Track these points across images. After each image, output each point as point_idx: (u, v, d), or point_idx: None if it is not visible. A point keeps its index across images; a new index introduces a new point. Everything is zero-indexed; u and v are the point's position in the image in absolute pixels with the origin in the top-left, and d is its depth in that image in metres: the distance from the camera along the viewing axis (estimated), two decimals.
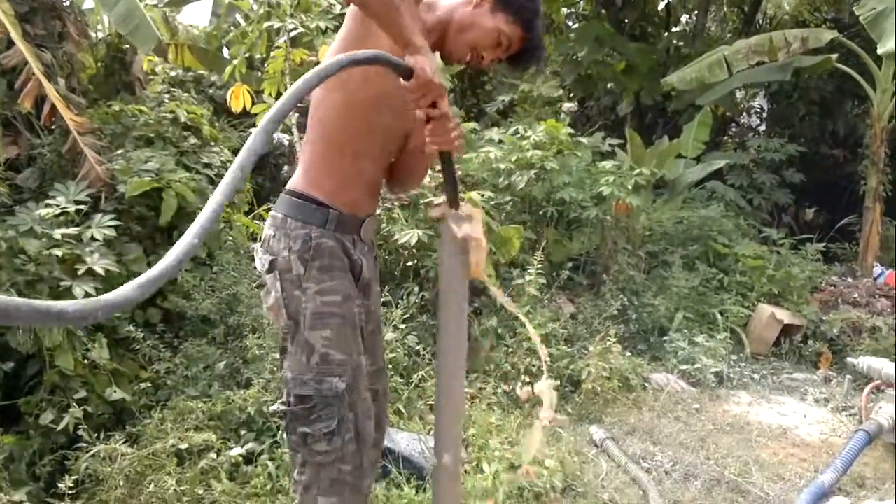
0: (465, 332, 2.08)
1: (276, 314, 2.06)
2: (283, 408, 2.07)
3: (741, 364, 5.07)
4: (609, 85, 10.34)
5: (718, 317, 5.39)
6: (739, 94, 10.21)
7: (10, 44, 4.40)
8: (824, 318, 5.48)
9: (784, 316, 5.38)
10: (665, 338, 5.18)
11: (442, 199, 2.04)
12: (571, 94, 10.37)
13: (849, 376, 4.65)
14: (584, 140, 6.50)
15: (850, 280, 6.43)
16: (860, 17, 6.68)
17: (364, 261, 2.11)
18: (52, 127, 4.64)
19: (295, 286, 2.00)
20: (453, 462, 2.13)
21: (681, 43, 10.55)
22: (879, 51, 6.65)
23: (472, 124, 6.34)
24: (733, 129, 10.80)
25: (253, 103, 5.35)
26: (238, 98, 4.98)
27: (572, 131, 6.04)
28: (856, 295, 5.86)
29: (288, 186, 2.08)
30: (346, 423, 2.04)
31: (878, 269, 6.84)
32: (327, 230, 2.00)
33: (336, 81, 1.73)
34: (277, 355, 2.43)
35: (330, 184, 2.02)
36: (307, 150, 2.07)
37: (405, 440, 3.41)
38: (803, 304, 5.65)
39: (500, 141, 5.80)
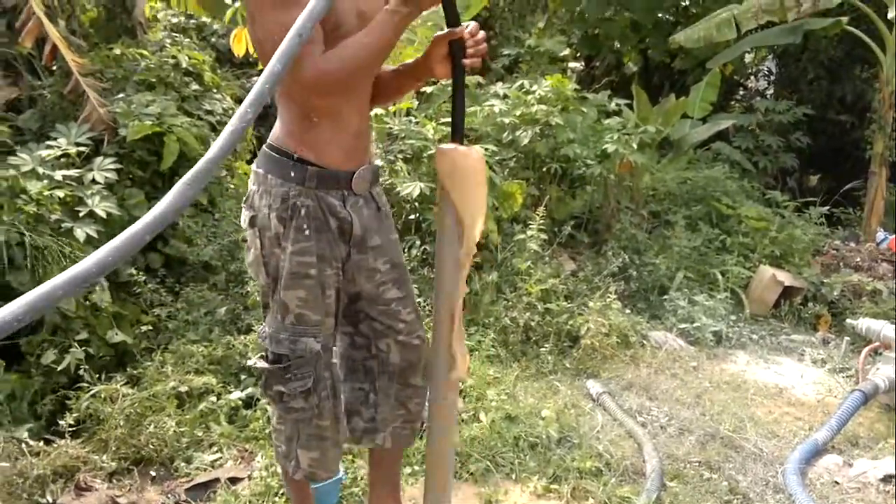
0: (462, 285, 2.05)
1: (257, 271, 2.05)
2: (261, 364, 2.07)
3: (740, 324, 5.08)
4: (615, 44, 10.21)
5: (719, 277, 5.38)
6: (748, 57, 10.09)
7: None
8: (825, 280, 5.47)
9: (785, 278, 5.37)
10: (665, 296, 5.19)
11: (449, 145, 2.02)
12: (578, 54, 10.25)
13: (847, 338, 4.66)
14: (589, 97, 6.45)
15: (852, 244, 6.41)
16: None
17: (355, 216, 2.02)
18: (53, 68, 4.60)
19: (274, 244, 1.96)
20: (449, 410, 2.14)
21: (687, 3, 10.40)
22: (890, 15, 6.57)
23: (478, 78, 6.28)
24: (741, 93, 10.70)
25: None
26: (240, 41, 4.92)
27: (578, 87, 5.99)
28: (858, 259, 5.84)
29: (268, 139, 2.01)
30: (322, 381, 2.04)
31: (881, 235, 6.81)
32: (307, 188, 1.92)
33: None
34: None
35: (310, 137, 1.93)
36: (283, 100, 1.96)
37: None
38: (805, 267, 5.64)
39: (505, 96, 5.74)
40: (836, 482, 3.19)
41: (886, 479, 3.15)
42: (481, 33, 1.94)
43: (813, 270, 5.63)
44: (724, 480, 3.14)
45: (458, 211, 1.95)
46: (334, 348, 2.17)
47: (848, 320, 4.58)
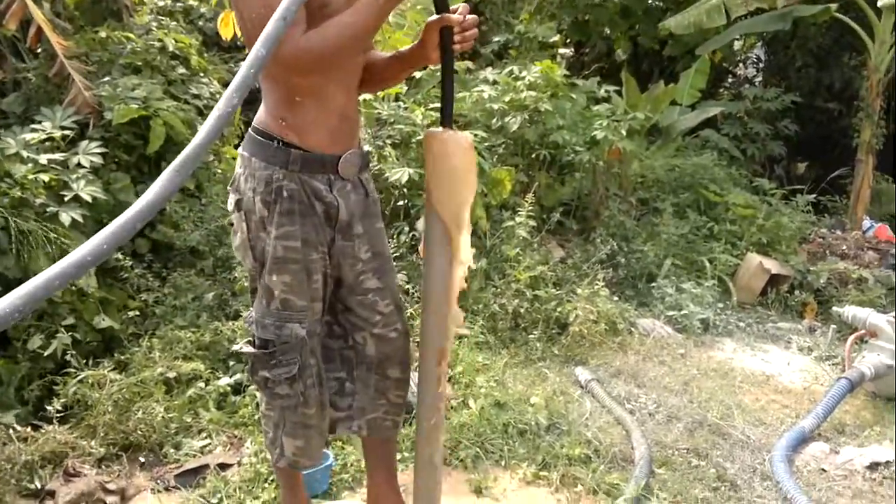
0: (451, 272, 2.04)
1: (244, 255, 2.04)
2: (247, 349, 2.06)
3: (727, 312, 5.10)
4: (605, 31, 10.18)
5: (707, 264, 5.40)
6: (738, 44, 10.10)
7: None
8: (811, 268, 5.50)
9: (772, 266, 5.40)
10: (653, 284, 5.20)
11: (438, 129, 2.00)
12: (568, 41, 10.23)
13: (833, 326, 4.70)
14: (579, 83, 6.43)
15: (839, 232, 6.45)
16: None
17: (342, 201, 1.99)
18: (38, 51, 4.53)
19: (260, 228, 1.95)
20: (437, 397, 2.14)
21: None
22: (880, 3, 6.59)
23: (467, 64, 6.25)
24: (730, 81, 10.71)
25: None
26: (228, 25, 4.84)
27: (567, 73, 5.98)
28: (844, 247, 5.89)
29: (253, 122, 1.98)
30: (307, 368, 2.03)
31: (867, 223, 6.87)
32: (290, 171, 1.90)
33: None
34: None
35: (293, 119, 1.90)
36: (266, 82, 1.93)
37: None
38: (791, 255, 5.67)
39: (495, 81, 5.72)
40: (823, 469, 3.22)
41: (872, 467, 3.18)
42: (471, 17, 1.92)
43: (799, 258, 5.67)
44: (711, 467, 3.16)
45: (445, 198, 1.94)
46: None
47: (834, 308, 4.60)
